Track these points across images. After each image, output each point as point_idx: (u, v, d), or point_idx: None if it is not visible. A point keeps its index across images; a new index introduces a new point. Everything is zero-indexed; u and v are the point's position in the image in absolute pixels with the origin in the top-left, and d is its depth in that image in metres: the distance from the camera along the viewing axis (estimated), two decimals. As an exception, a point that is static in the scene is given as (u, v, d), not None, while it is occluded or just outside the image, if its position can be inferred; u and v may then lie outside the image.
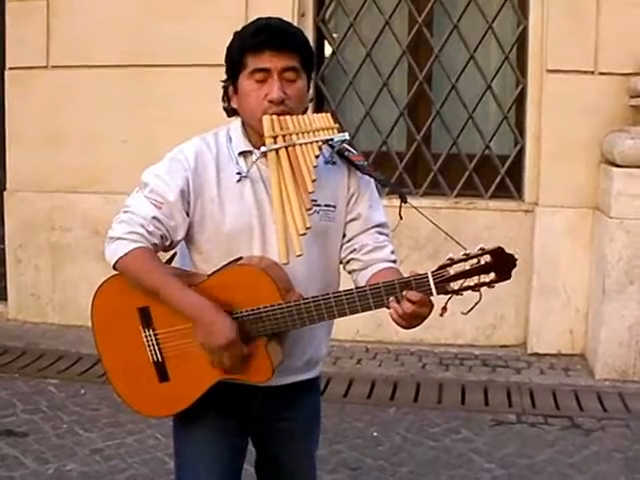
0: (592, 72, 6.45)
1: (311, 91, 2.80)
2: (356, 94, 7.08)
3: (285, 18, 2.74)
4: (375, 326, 6.66)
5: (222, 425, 2.78)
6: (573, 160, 6.50)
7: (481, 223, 6.72)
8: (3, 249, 7.44)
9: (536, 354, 6.62)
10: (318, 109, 7.09)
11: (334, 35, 7.16)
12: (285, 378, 2.75)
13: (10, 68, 7.23)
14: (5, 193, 7.38)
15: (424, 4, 6.91)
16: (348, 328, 6.61)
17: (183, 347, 2.62)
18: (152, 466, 4.74)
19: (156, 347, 2.65)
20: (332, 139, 2.63)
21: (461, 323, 6.67)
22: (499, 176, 6.91)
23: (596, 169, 6.48)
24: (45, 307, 7.33)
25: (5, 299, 7.47)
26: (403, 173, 7.01)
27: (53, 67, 7.13)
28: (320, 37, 7.11)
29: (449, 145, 6.97)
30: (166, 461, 4.65)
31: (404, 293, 2.48)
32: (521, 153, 6.91)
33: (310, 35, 6.85)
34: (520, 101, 6.89)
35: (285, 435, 2.92)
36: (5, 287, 7.47)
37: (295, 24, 6.52)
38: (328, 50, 7.19)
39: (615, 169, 6.05)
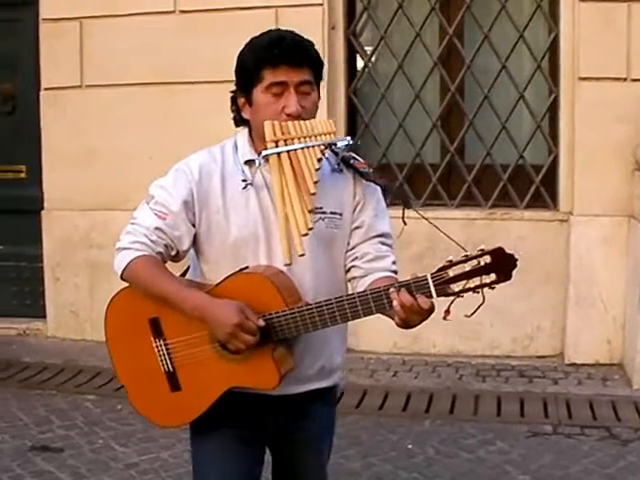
0: (624, 79, 6.40)
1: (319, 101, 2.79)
2: (389, 106, 7.08)
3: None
4: (412, 339, 6.63)
5: (236, 435, 2.77)
6: (607, 168, 6.45)
7: (516, 233, 6.66)
8: (41, 268, 7.51)
9: (574, 364, 6.54)
10: (350, 122, 7.12)
11: (365, 48, 7.16)
12: (298, 387, 2.75)
13: (45, 89, 7.33)
14: (42, 212, 7.46)
15: (454, 15, 6.90)
16: (385, 341, 6.63)
17: (193, 356, 2.64)
18: (186, 480, 4.78)
19: (167, 357, 2.67)
20: (335, 143, 2.63)
21: (498, 334, 6.61)
22: (534, 186, 6.86)
23: (630, 176, 6.42)
24: (83, 324, 7.39)
25: (44, 317, 7.55)
26: (437, 185, 6.98)
27: (87, 87, 7.22)
28: (351, 50, 7.11)
29: (483, 156, 6.94)
30: (199, 475, 4.67)
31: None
32: (555, 162, 6.86)
33: (341, 48, 6.90)
34: (553, 110, 6.85)
35: (298, 445, 2.91)
36: (44, 305, 7.56)
37: (326, 37, 6.50)
38: (360, 63, 7.20)
39: (650, 176, 6.00)
